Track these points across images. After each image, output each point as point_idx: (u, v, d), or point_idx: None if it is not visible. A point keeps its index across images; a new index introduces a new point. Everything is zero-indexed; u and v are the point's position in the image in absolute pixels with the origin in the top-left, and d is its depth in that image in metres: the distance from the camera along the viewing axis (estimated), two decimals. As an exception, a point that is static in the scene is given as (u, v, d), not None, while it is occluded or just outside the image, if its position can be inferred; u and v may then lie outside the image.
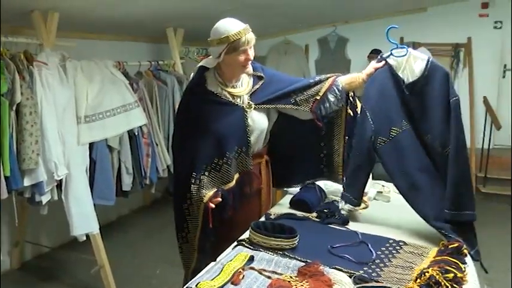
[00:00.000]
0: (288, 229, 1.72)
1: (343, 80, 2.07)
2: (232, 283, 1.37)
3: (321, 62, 6.20)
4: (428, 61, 1.92)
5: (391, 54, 2.01)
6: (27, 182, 2.69)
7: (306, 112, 2.07)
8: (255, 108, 2.04)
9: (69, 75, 3.02)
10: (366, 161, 1.95)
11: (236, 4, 3.92)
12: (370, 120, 1.94)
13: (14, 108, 2.61)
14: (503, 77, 5.61)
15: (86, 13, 3.35)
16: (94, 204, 3.13)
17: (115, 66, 3.51)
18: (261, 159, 2.17)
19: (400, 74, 1.95)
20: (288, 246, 1.64)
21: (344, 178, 2.09)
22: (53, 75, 2.87)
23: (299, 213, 2.07)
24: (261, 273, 1.44)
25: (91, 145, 3.18)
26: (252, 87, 2.07)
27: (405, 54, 1.96)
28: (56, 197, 2.94)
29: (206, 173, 1.96)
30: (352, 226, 1.97)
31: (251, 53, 1.95)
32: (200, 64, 2.07)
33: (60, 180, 2.91)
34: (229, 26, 1.88)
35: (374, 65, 2.02)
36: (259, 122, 2.07)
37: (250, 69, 2.07)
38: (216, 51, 1.92)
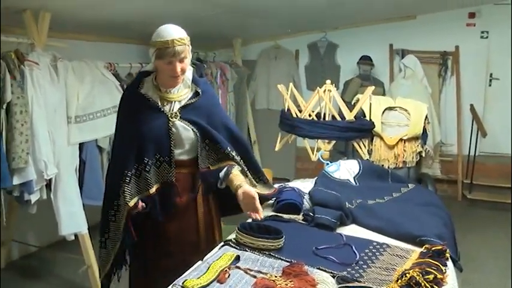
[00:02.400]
0: (273, 230, 1.75)
1: (233, 174, 1.99)
2: (218, 281, 1.40)
3: (310, 67, 6.25)
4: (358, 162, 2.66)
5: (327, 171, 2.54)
6: (16, 181, 2.70)
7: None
8: (179, 120, 1.95)
9: (60, 76, 3.04)
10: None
11: (225, 8, 3.96)
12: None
13: (4, 107, 2.62)
14: (490, 85, 5.71)
15: (78, 13, 3.36)
16: (83, 204, 3.14)
17: (106, 68, 3.53)
18: (194, 169, 2.02)
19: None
20: (273, 247, 1.67)
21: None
22: (44, 75, 2.89)
23: (285, 216, 2.10)
24: (246, 273, 1.47)
25: (81, 145, 3.20)
26: (188, 100, 1.99)
27: (337, 168, 2.57)
28: (44, 196, 2.96)
29: (128, 180, 1.89)
30: (337, 229, 2.00)
31: (179, 66, 1.85)
32: (141, 69, 2.04)
33: (50, 180, 2.93)
34: (164, 32, 1.83)
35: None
36: (188, 132, 1.97)
37: (188, 78, 1.99)
38: (150, 53, 1.88)
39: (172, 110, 1.95)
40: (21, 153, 2.66)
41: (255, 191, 1.93)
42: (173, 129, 1.93)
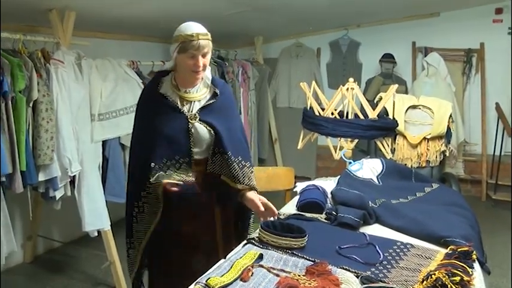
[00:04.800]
0: (296, 229, 1.75)
1: (249, 195, 1.99)
2: (241, 280, 1.40)
3: (332, 65, 6.21)
4: (382, 161, 2.67)
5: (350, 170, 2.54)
6: (41, 177, 2.75)
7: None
8: (199, 122, 1.95)
9: (84, 74, 3.08)
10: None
11: (247, 6, 3.95)
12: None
13: (31, 104, 2.67)
14: (517, 83, 5.58)
15: (101, 12, 3.40)
16: (106, 201, 3.18)
17: (129, 66, 3.57)
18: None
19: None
20: (296, 246, 1.67)
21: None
22: (68, 73, 2.93)
23: (308, 214, 2.09)
24: (269, 271, 1.47)
25: (104, 143, 3.24)
26: (207, 101, 1.99)
27: (360, 167, 2.56)
28: (69, 193, 3.00)
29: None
30: (360, 228, 1.99)
31: (201, 61, 1.86)
32: (159, 69, 2.04)
33: (74, 177, 2.97)
34: (188, 26, 1.86)
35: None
36: (207, 134, 1.96)
37: (207, 77, 2.00)
38: (172, 49, 1.90)
39: (192, 111, 1.95)
40: (46, 150, 2.71)
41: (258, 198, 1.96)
42: (192, 130, 1.92)
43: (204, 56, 1.86)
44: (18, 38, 2.74)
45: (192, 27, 1.85)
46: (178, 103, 1.94)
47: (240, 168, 1.98)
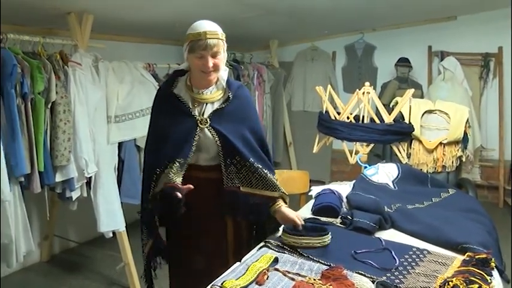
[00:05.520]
0: (319, 228, 1.78)
1: (282, 210, 1.87)
2: (256, 283, 1.40)
3: (347, 69, 6.18)
4: (397, 166, 2.68)
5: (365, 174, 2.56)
6: (58, 178, 2.78)
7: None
8: (208, 128, 1.84)
9: (101, 76, 3.11)
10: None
11: (262, 10, 3.96)
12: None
13: (49, 106, 2.70)
14: (535, 88, 5.49)
15: (118, 16, 3.43)
16: (121, 203, 3.20)
17: (145, 68, 3.59)
18: (218, 174, 1.89)
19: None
20: (319, 244, 1.69)
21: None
22: (85, 76, 2.96)
23: (323, 218, 2.09)
24: (285, 275, 1.47)
25: (120, 144, 3.26)
26: (220, 104, 1.88)
27: (376, 172, 2.58)
28: (85, 194, 3.03)
29: (156, 178, 1.84)
30: (376, 233, 1.97)
31: (211, 61, 1.76)
32: (176, 68, 1.98)
33: (90, 178, 3.00)
34: (198, 25, 1.77)
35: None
36: (214, 143, 1.86)
37: (222, 79, 1.88)
38: (183, 49, 1.82)
39: (203, 115, 1.85)
40: (63, 151, 2.74)
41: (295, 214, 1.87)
42: (200, 135, 1.83)
43: (214, 55, 1.76)
44: (37, 41, 2.77)
45: (201, 26, 1.76)
46: (190, 105, 1.86)
47: (264, 176, 1.87)
